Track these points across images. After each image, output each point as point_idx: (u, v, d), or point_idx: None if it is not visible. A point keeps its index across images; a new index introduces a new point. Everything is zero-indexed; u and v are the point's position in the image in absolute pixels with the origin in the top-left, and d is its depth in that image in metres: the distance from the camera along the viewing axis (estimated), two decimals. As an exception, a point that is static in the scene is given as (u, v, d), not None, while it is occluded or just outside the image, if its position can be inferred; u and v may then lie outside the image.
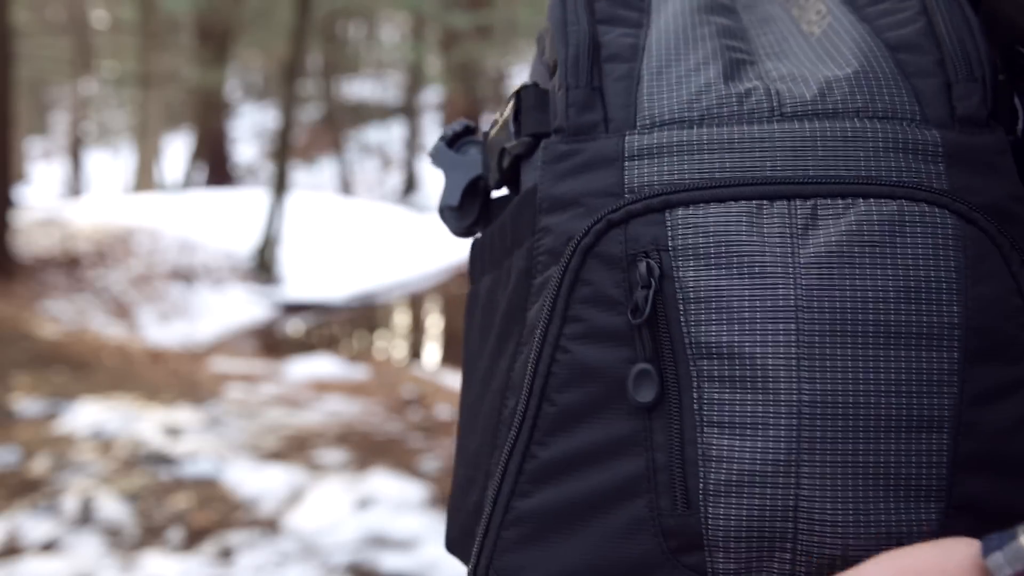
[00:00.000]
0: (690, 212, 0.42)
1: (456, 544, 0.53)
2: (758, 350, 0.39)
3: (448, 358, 7.54)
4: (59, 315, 7.40)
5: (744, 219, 0.41)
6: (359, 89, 21.19)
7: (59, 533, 2.94)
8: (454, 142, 0.58)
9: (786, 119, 0.43)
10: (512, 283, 0.48)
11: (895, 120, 0.42)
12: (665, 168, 0.43)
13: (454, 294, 9.98)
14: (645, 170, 0.44)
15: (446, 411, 4.64)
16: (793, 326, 0.39)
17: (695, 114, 0.44)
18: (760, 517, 0.39)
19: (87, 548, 2.86)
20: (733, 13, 0.53)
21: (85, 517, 3.06)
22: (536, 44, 0.56)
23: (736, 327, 0.40)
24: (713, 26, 0.50)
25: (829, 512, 0.38)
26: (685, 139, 0.44)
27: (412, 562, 2.85)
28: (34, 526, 2.96)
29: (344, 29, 21.11)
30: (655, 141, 0.44)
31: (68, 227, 9.51)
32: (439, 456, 3.85)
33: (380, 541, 2.98)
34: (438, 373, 6.23)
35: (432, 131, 19.57)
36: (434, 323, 9.31)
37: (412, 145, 17.21)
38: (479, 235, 0.57)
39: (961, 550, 0.35)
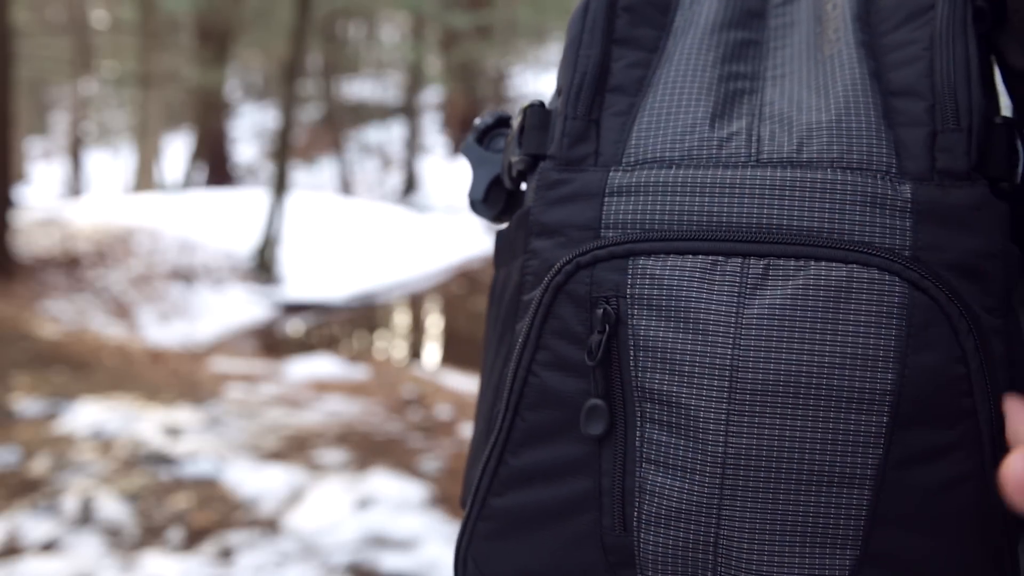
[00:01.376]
0: (650, 263, 0.44)
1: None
2: (692, 401, 0.42)
3: (448, 358, 7.54)
4: (59, 315, 7.40)
5: (698, 275, 0.43)
6: (359, 89, 21.18)
7: (59, 533, 2.94)
8: (484, 135, 0.60)
9: (761, 166, 0.44)
10: (509, 293, 0.51)
11: (868, 172, 0.42)
12: (639, 207, 0.45)
13: (454, 294, 9.98)
14: (622, 207, 0.46)
15: (446, 411, 4.64)
16: (727, 383, 0.42)
17: (676, 155, 0.46)
18: (684, 548, 0.43)
19: (87, 548, 2.86)
20: (759, 19, 0.52)
21: (85, 517, 3.06)
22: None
23: (676, 378, 0.43)
24: (722, 48, 0.50)
25: (746, 551, 0.42)
26: (662, 179, 0.45)
27: (412, 562, 2.85)
28: (34, 526, 2.96)
29: (344, 29, 21.10)
30: (634, 180, 0.46)
31: (68, 227, 9.51)
32: (439, 456, 3.85)
33: (380, 541, 2.98)
34: (438, 373, 6.22)
35: (432, 131, 19.57)
36: (434, 323, 9.31)
37: (412, 145, 17.19)
38: (505, 225, 0.59)
39: None
